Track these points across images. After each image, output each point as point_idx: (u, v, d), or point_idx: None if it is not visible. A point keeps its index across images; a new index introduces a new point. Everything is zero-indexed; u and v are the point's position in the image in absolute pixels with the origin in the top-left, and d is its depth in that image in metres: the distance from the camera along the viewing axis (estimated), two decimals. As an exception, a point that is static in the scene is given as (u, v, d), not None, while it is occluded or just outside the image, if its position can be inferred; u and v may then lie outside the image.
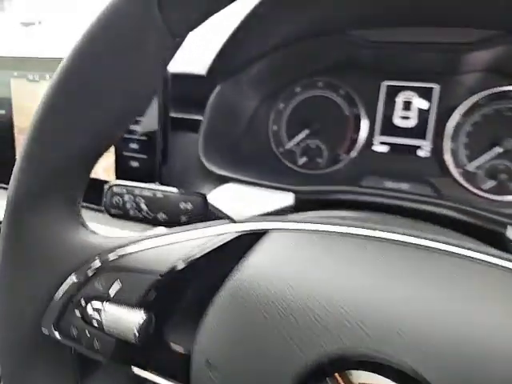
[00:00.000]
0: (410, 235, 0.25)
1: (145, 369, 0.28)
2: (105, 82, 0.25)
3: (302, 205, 0.52)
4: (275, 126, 0.62)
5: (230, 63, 0.52)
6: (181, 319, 0.31)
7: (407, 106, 0.55)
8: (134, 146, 0.52)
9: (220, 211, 0.42)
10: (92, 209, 0.56)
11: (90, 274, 0.28)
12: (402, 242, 0.25)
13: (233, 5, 0.25)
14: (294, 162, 0.61)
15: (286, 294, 0.22)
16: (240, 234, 0.29)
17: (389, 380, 0.19)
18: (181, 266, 0.27)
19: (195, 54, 0.54)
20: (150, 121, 0.52)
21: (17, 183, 0.26)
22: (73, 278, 0.28)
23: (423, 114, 0.55)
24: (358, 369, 0.19)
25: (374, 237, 0.26)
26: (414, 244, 0.25)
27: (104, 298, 0.27)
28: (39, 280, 0.28)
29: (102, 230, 0.32)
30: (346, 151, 0.59)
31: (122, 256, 0.28)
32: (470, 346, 0.18)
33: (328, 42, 0.53)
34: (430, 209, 0.46)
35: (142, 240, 0.28)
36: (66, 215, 0.28)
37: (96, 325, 0.27)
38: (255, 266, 0.25)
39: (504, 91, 0.50)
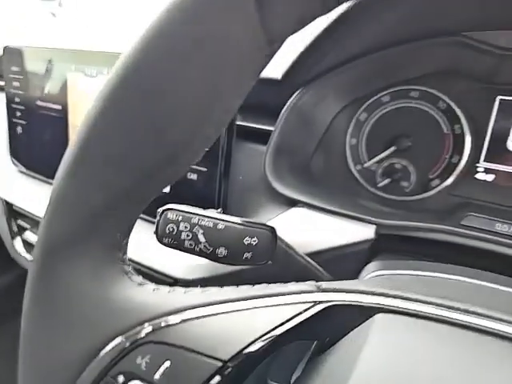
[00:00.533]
0: None
1: None
2: (177, 92, 0.19)
3: (383, 240, 0.44)
4: (354, 140, 0.53)
5: (312, 68, 0.44)
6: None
7: (526, 127, 0.45)
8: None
9: (291, 248, 0.35)
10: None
11: (131, 344, 0.21)
12: None
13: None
14: (374, 184, 0.52)
15: None
16: (329, 305, 0.21)
17: None
18: (255, 347, 0.20)
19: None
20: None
21: (48, 224, 0.20)
22: (112, 346, 0.21)
23: (548, 140, 0.44)
24: None
25: None
26: None
27: (148, 380, 0.20)
28: (68, 347, 0.22)
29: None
30: (440, 176, 0.49)
31: (174, 326, 0.21)
32: None
33: (434, 44, 0.44)
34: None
35: (204, 306, 0.21)
36: (107, 262, 0.22)
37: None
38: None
39: None
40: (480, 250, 0.39)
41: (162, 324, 0.21)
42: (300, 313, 0.21)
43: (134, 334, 0.21)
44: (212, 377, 0.19)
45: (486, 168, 0.47)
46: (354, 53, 0.45)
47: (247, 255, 0.33)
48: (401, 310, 0.20)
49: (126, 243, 0.23)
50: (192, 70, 0.18)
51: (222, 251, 0.32)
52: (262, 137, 0.46)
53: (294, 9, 0.17)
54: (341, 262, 0.43)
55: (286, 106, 0.44)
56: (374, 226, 0.43)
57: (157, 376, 0.20)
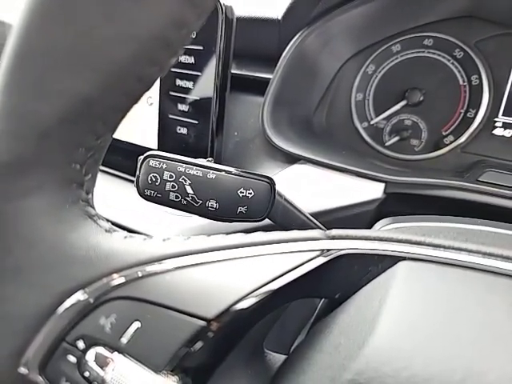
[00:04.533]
0: None
1: None
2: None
3: (391, 199, 0.40)
4: (360, 95, 0.48)
5: (315, 5, 0.39)
6: (232, 371, 0.20)
7: (552, 77, 0.40)
8: (182, 107, 0.41)
9: (292, 205, 0.31)
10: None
11: (93, 302, 0.17)
12: None
13: None
14: (381, 143, 0.48)
15: None
16: (341, 254, 0.17)
17: None
18: (245, 304, 0.16)
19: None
20: (205, 77, 0.40)
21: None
22: (70, 304, 0.17)
23: None
24: None
25: None
26: None
27: (113, 345, 0.17)
28: (18, 300, 0.18)
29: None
30: (454, 133, 0.44)
31: (148, 277, 0.17)
32: None
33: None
34: None
35: (187, 255, 0.17)
36: (65, 201, 0.18)
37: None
38: (395, 342, 0.13)
39: None
40: (497, 207, 0.35)
41: (133, 275, 0.17)
42: (303, 263, 0.17)
43: (98, 288, 0.17)
44: (193, 340, 0.15)
45: (504, 122, 0.42)
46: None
47: (241, 209, 0.29)
48: (429, 257, 0.16)
49: (92, 181, 0.19)
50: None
51: (212, 204, 0.28)
52: (260, 86, 0.42)
53: None
54: (346, 224, 0.39)
55: (286, 51, 0.39)
56: (383, 184, 0.39)
57: (124, 340, 0.16)
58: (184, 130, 0.42)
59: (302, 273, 0.17)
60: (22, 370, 0.18)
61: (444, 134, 0.45)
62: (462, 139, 0.44)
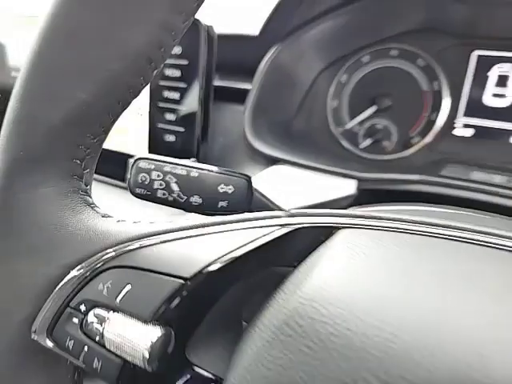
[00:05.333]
0: None
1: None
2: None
3: (364, 196, 0.44)
4: (335, 102, 0.53)
5: (288, 22, 0.43)
6: (210, 338, 0.24)
7: (502, 81, 0.45)
8: (170, 116, 0.45)
9: (268, 199, 0.35)
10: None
11: (92, 272, 0.21)
12: None
13: None
14: (356, 145, 0.52)
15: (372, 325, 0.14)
16: (295, 228, 0.21)
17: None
18: (216, 267, 0.20)
19: (247, 12, 0.46)
20: (190, 89, 0.44)
21: (5, 147, 0.20)
22: (73, 275, 0.21)
23: (524, 92, 0.44)
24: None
25: (489, 243, 0.18)
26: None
27: (110, 305, 0.20)
28: (29, 274, 0.21)
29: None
30: (420, 134, 0.49)
31: (137, 250, 0.21)
32: None
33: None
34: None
35: (168, 233, 0.21)
36: (68, 191, 0.22)
37: (97, 339, 0.20)
38: (325, 280, 0.17)
39: None
40: (458, 199, 0.39)
41: (125, 249, 0.21)
42: (264, 235, 0.21)
43: (97, 261, 0.21)
44: (173, 296, 0.19)
45: (463, 124, 0.47)
46: (332, 5, 0.44)
47: (223, 204, 0.33)
48: (370, 226, 0.20)
49: (90, 174, 0.23)
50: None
51: (196, 200, 0.32)
52: (242, 96, 0.46)
53: None
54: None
55: (261, 64, 0.44)
56: (355, 181, 0.43)
57: (118, 300, 0.20)
58: (172, 138, 0.46)
59: (262, 243, 0.20)
60: (33, 335, 0.22)
61: (411, 135, 0.49)
62: (427, 140, 0.48)
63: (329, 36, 0.46)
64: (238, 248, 0.20)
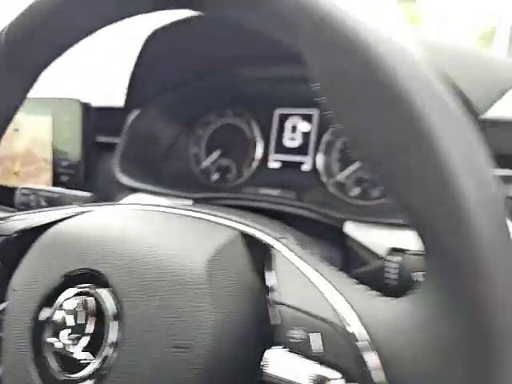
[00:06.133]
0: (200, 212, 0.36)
1: None
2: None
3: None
4: (195, 149, 0.74)
5: (143, 93, 0.65)
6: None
7: (294, 129, 0.66)
8: (64, 163, 0.65)
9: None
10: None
11: None
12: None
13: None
14: (208, 178, 0.72)
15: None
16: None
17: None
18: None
19: (116, 85, 0.67)
20: (77, 144, 0.65)
21: None
22: None
23: (306, 135, 0.65)
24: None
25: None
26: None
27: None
28: None
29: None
30: (247, 167, 0.69)
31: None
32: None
33: (223, 79, 0.66)
34: (289, 209, 0.56)
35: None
36: None
37: None
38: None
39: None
40: (251, 207, 0.59)
41: None
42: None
43: None
44: None
45: (274, 159, 0.68)
46: (176, 81, 0.66)
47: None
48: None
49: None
50: None
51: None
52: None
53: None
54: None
55: (124, 127, 0.65)
56: (191, 201, 0.63)
57: None
58: (66, 178, 0.65)
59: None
60: None
61: (243, 169, 0.70)
62: (251, 171, 0.69)
63: (179, 102, 0.68)
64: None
